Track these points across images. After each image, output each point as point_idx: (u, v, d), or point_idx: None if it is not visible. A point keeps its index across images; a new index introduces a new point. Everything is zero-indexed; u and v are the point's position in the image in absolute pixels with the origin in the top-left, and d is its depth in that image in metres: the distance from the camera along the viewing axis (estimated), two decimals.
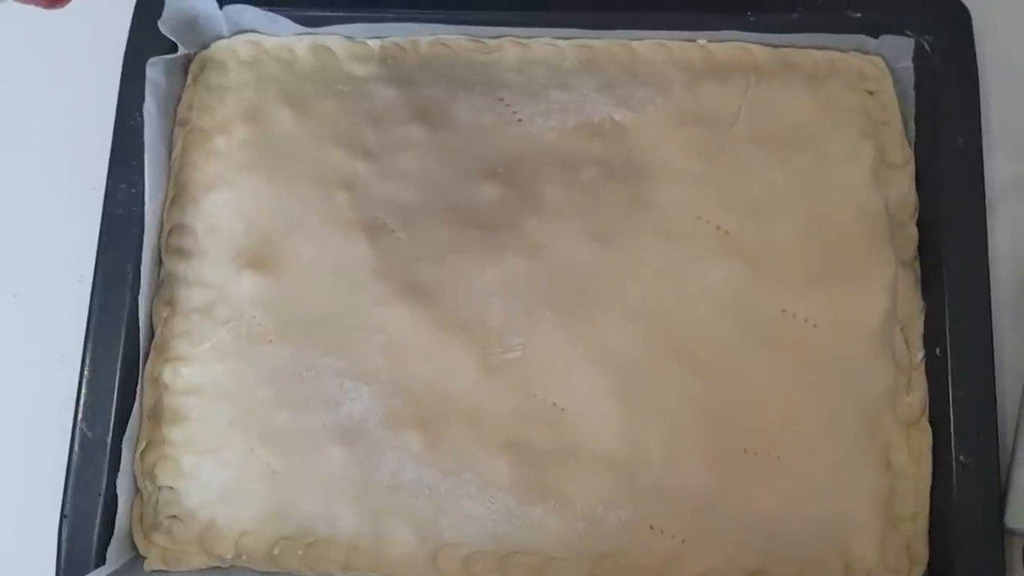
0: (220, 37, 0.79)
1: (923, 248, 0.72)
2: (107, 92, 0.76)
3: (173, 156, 0.76)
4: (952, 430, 0.67)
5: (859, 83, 0.75)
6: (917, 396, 0.69)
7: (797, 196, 0.73)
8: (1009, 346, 0.72)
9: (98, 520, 0.69)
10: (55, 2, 0.57)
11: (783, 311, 0.71)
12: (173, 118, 0.77)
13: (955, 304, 0.69)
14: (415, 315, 0.71)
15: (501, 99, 0.76)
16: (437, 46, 0.77)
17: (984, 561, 0.65)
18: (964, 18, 0.73)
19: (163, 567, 0.70)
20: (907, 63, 0.74)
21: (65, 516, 0.69)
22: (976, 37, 0.73)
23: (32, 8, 0.57)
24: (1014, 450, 0.69)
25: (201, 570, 0.70)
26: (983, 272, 0.69)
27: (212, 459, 0.71)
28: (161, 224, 0.75)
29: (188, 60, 0.78)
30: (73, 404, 0.70)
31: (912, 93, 0.74)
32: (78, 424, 0.70)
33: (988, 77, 0.74)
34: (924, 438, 0.68)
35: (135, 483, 0.71)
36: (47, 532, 0.69)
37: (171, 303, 0.74)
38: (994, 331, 0.68)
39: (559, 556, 0.68)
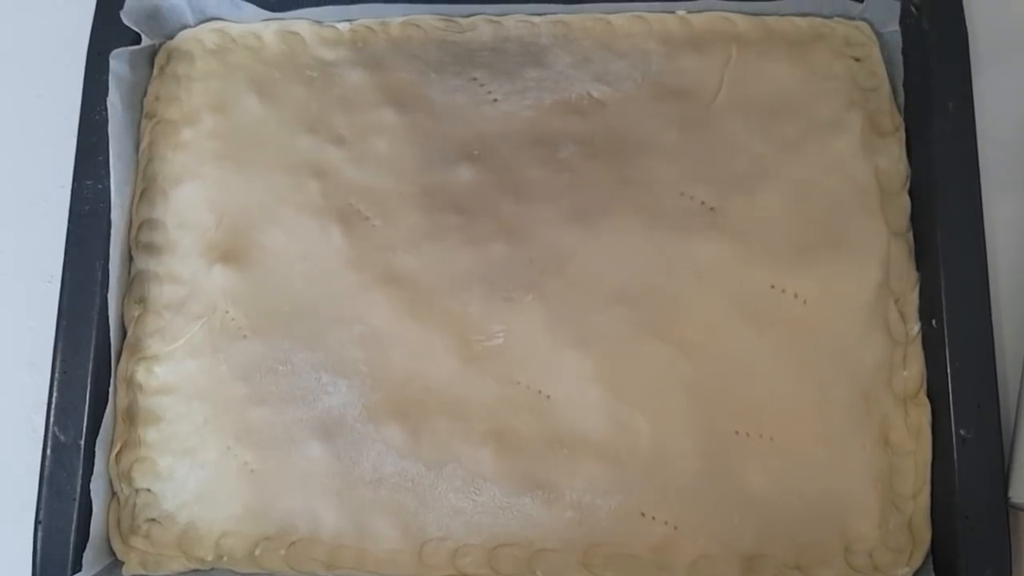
0: (185, 26, 0.77)
1: (916, 217, 0.70)
2: (72, 87, 0.74)
3: (141, 150, 0.74)
4: (951, 404, 0.65)
5: (845, 50, 0.73)
6: (914, 370, 0.67)
7: (784, 168, 0.70)
8: (1008, 315, 0.69)
9: (74, 525, 0.67)
10: None
11: (772, 287, 0.68)
12: (140, 111, 0.75)
13: (951, 274, 0.66)
14: (392, 305, 0.69)
15: (475, 79, 0.74)
16: (408, 27, 0.75)
17: (989, 537, 0.63)
18: None
19: (142, 572, 0.68)
20: (894, 27, 0.72)
21: (40, 522, 0.67)
22: None
23: None
24: (1017, 422, 0.67)
25: (181, 574, 0.68)
26: (979, 240, 0.67)
27: (188, 460, 0.69)
28: (130, 220, 0.73)
29: (154, 51, 0.76)
30: (45, 408, 0.69)
31: (900, 58, 0.72)
32: (50, 428, 0.68)
33: (978, 39, 0.71)
34: (922, 413, 0.66)
35: (111, 486, 0.69)
36: (22, 538, 0.67)
37: (142, 301, 0.72)
38: (992, 300, 0.66)
39: (548, 547, 0.66)
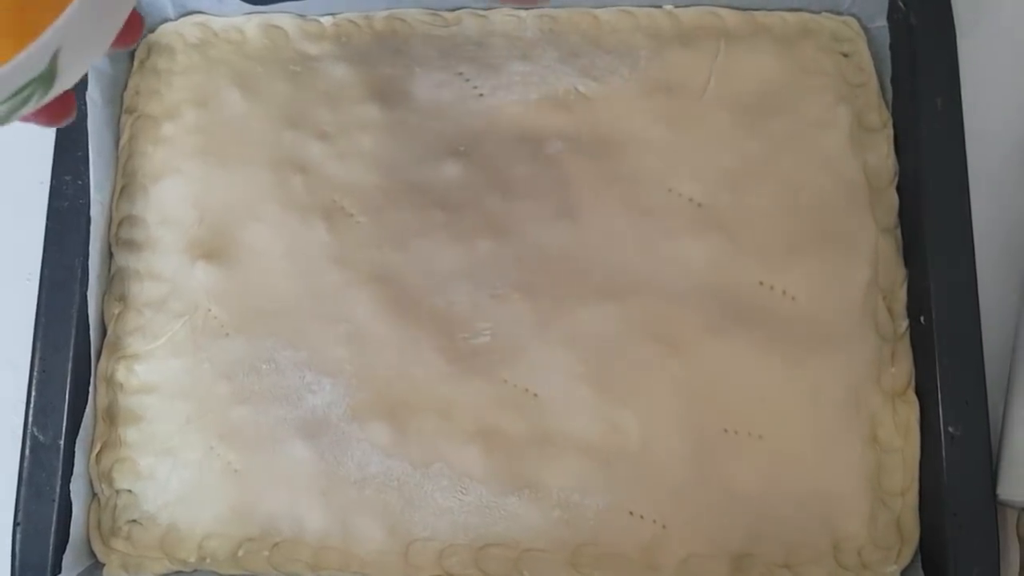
0: (166, 20, 0.75)
1: (904, 214, 0.69)
2: None
3: (120, 145, 0.73)
4: (940, 401, 0.64)
5: (833, 45, 0.72)
6: (902, 367, 0.67)
7: (772, 164, 0.70)
8: (995, 312, 0.69)
9: (53, 527, 0.66)
10: (57, 119, 0.53)
11: (761, 284, 0.68)
12: (119, 106, 0.74)
13: (939, 270, 0.66)
14: (377, 302, 0.68)
15: (460, 73, 0.73)
16: (393, 21, 0.74)
17: (978, 534, 0.62)
18: None
19: (124, 574, 0.67)
20: (882, 22, 0.71)
21: (18, 523, 0.66)
22: None
23: None
24: (1005, 419, 0.67)
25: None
26: (967, 236, 0.66)
27: (170, 460, 0.68)
28: (110, 216, 0.72)
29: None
30: (23, 407, 0.67)
31: (888, 54, 0.71)
32: (29, 428, 0.67)
33: (966, 35, 0.71)
34: (911, 410, 0.66)
35: (91, 487, 0.68)
36: (0, 540, 0.66)
37: (123, 299, 0.71)
38: (980, 297, 0.65)
39: (536, 547, 0.65)
